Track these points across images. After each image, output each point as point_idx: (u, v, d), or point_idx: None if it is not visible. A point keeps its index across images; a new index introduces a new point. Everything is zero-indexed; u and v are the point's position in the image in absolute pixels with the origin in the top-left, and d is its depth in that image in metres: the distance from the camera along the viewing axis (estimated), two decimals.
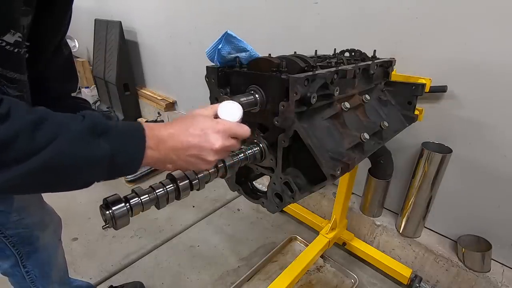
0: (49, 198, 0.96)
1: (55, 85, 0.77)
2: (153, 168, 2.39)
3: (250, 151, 0.74)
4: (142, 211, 0.54)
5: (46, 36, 0.65)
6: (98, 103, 3.62)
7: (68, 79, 0.81)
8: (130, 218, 0.52)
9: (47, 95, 0.76)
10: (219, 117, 0.58)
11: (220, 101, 0.67)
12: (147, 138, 0.48)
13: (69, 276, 1.15)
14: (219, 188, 2.21)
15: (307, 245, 1.63)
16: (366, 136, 0.78)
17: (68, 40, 0.78)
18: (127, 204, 0.51)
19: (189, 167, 0.53)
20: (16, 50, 0.51)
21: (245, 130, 0.57)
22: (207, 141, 0.51)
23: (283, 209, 1.18)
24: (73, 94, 0.84)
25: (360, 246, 1.59)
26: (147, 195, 0.53)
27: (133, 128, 0.48)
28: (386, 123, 0.89)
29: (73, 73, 0.82)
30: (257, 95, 0.72)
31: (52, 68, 0.73)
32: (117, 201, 0.50)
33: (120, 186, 2.17)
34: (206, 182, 0.64)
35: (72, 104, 0.81)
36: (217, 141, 0.52)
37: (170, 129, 0.50)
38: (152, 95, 3.19)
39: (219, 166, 0.66)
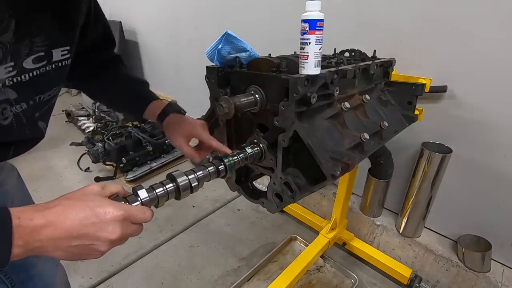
0: None
1: (97, 55, 0.83)
2: (153, 168, 2.39)
3: (250, 151, 0.74)
4: None
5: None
6: (98, 103, 3.61)
7: (107, 46, 0.85)
8: None
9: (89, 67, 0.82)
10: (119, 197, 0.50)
11: (220, 101, 0.67)
12: (14, 238, 0.37)
13: (69, 276, 1.13)
14: (219, 188, 2.21)
15: (307, 245, 1.63)
16: (366, 136, 0.78)
17: None
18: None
19: (72, 257, 0.44)
20: None
21: (147, 215, 0.49)
22: (104, 230, 0.42)
23: (283, 209, 1.18)
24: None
25: (360, 246, 1.58)
26: (147, 195, 0.53)
27: None
28: (386, 123, 0.89)
29: (110, 39, 0.85)
30: (257, 95, 0.72)
31: (91, 40, 0.76)
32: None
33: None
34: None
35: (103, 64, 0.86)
36: (116, 231, 0.43)
37: (49, 215, 0.40)
38: None
39: (219, 166, 0.66)
